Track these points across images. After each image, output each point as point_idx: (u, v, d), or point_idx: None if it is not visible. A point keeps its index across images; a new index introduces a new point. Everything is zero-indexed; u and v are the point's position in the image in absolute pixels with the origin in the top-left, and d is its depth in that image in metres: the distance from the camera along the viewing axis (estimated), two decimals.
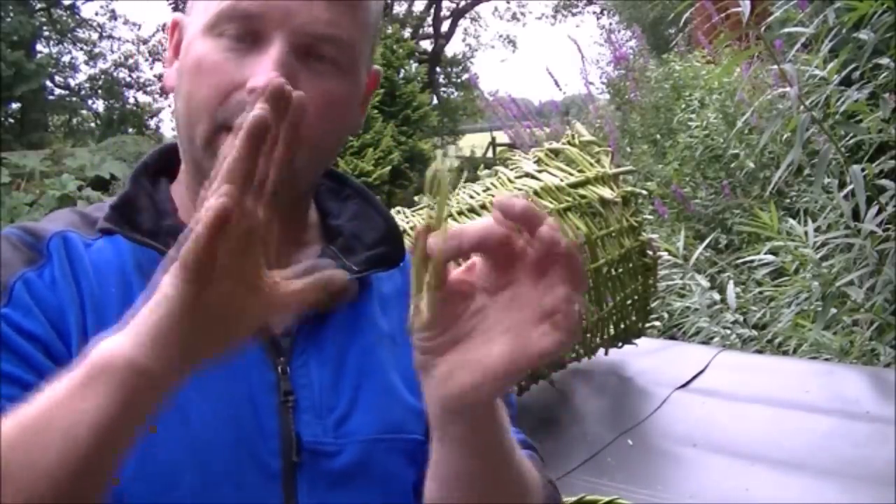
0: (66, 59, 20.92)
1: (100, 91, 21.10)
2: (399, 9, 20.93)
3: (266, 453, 0.79)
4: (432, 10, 22.00)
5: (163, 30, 20.94)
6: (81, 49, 21.13)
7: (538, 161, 1.99)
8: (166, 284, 0.61)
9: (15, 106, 18.24)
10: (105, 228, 0.82)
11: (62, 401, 0.61)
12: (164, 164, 0.90)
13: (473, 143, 17.83)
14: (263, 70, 0.77)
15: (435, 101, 18.89)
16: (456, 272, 0.65)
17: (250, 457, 0.78)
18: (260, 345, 0.81)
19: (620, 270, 1.92)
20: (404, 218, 1.87)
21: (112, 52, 21.44)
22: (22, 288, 0.76)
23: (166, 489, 0.75)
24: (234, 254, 0.60)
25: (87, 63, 21.18)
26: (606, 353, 2.06)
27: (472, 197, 1.89)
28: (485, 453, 0.71)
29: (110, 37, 21.44)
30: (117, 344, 0.61)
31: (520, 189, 1.87)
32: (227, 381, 0.79)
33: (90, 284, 0.79)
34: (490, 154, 15.25)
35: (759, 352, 2.80)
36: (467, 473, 0.72)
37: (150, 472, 0.75)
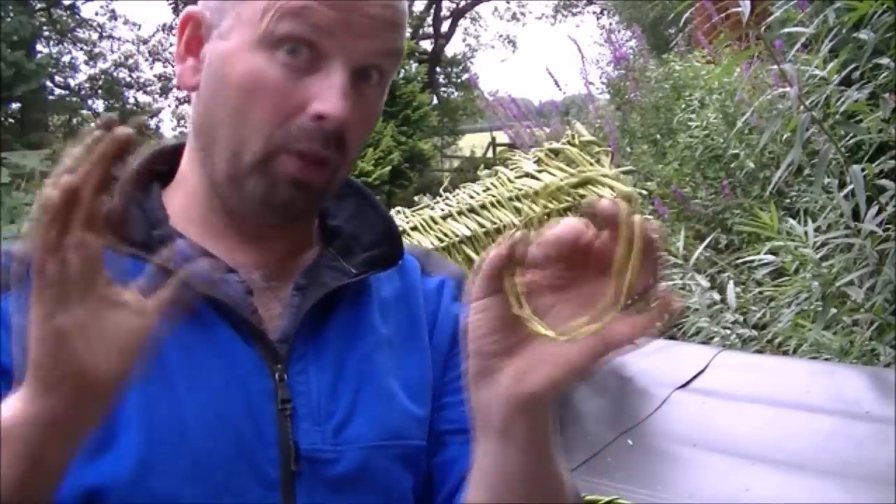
0: (66, 59, 20.93)
1: (100, 91, 21.10)
2: None
3: (265, 463, 0.78)
4: (432, 10, 21.99)
5: (163, 30, 20.96)
6: (81, 49, 21.13)
7: (538, 161, 1.99)
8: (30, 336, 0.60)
9: (15, 106, 18.23)
10: None
11: None
12: (159, 167, 0.88)
13: (473, 143, 17.84)
14: (330, 98, 0.77)
15: (435, 101, 18.88)
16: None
17: (249, 467, 0.77)
18: (257, 352, 0.80)
19: None
20: (404, 218, 1.87)
21: (112, 52, 21.47)
22: None
23: (166, 502, 0.75)
24: (82, 278, 0.59)
25: (87, 63, 21.18)
26: None
27: (472, 197, 1.89)
28: (545, 450, 0.72)
29: (110, 37, 21.46)
30: (17, 403, 0.61)
31: (520, 189, 1.87)
32: (224, 390, 0.78)
33: None
34: (490, 154, 15.26)
35: (759, 352, 2.79)
36: (526, 472, 0.72)
37: (150, 484, 0.74)
